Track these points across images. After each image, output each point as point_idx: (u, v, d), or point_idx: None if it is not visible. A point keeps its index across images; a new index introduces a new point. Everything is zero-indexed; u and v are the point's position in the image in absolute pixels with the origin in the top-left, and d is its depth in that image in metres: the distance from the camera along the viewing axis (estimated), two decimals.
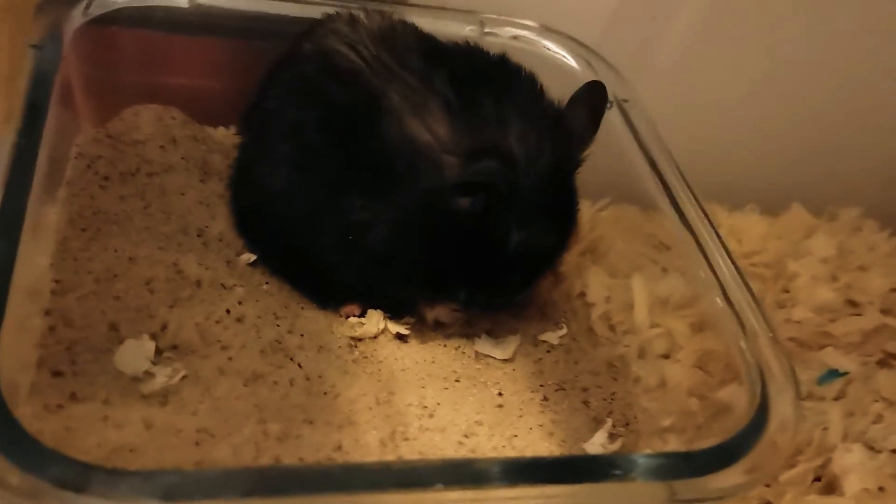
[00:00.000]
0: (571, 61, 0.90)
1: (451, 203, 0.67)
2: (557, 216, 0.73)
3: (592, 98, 0.74)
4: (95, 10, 0.77)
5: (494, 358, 0.77)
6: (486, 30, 0.90)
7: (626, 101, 0.86)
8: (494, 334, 0.79)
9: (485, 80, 0.71)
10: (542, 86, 0.73)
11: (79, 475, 0.44)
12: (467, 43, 0.77)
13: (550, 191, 0.70)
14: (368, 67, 0.72)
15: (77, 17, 0.75)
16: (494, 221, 0.69)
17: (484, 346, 0.77)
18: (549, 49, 0.91)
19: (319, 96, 0.73)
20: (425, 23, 0.82)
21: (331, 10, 0.80)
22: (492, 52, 0.75)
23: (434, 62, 0.72)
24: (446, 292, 0.75)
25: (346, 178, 0.70)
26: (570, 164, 0.74)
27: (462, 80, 0.70)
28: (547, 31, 0.92)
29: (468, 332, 0.78)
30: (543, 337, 0.80)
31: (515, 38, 0.91)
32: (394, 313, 0.77)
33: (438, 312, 0.77)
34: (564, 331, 0.81)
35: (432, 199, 0.67)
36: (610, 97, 0.81)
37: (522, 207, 0.69)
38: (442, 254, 0.70)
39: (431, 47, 0.76)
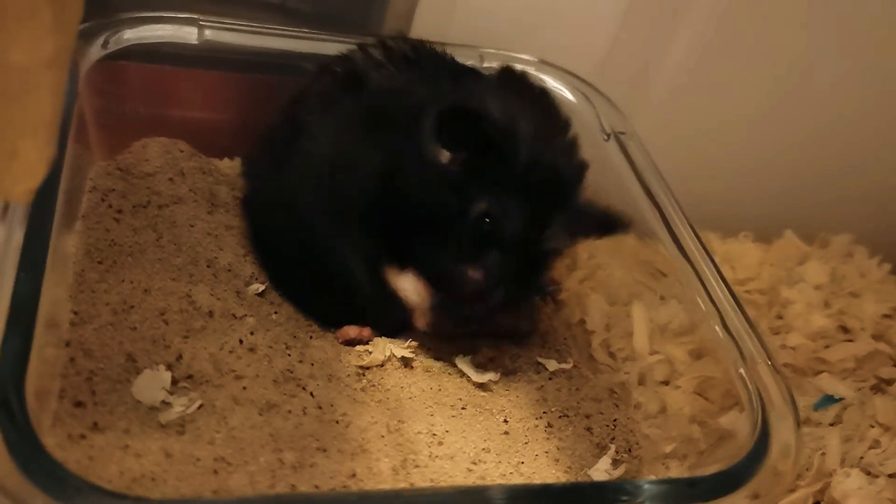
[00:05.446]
0: (569, 94, 0.92)
1: (432, 151, 0.69)
2: (539, 210, 0.69)
3: None
4: (112, 47, 0.79)
5: (495, 383, 0.77)
6: (486, 64, 0.92)
7: (622, 133, 0.88)
8: (495, 361, 0.80)
9: (501, 79, 0.78)
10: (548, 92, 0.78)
11: None
12: None
13: (542, 182, 0.69)
14: (397, 65, 0.78)
15: (94, 54, 0.77)
16: (467, 187, 0.69)
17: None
18: (546, 83, 0.93)
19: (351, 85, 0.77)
20: None
21: (334, 45, 0.83)
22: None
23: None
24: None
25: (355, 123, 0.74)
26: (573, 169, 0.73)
27: (480, 78, 0.77)
28: (545, 65, 0.94)
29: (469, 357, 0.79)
30: (545, 364, 0.81)
31: None
32: (391, 333, 0.78)
33: (431, 317, 0.75)
34: (566, 358, 0.82)
35: (418, 146, 0.69)
36: (607, 129, 0.85)
37: (499, 181, 0.68)
38: (411, 214, 0.70)
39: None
